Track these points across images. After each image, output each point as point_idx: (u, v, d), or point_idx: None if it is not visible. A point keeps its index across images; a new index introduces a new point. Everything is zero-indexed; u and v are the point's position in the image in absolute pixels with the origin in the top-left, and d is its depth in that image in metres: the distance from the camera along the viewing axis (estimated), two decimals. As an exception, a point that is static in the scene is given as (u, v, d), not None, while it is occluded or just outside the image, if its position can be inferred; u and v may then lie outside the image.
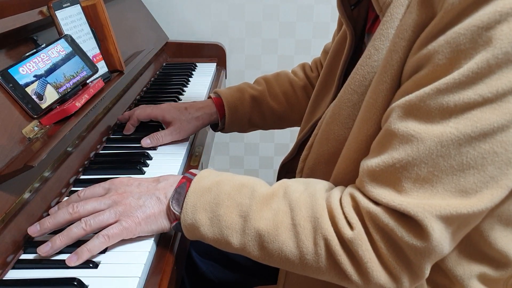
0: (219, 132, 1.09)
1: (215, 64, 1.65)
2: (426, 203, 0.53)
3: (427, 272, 0.56)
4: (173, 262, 0.67)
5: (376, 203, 0.56)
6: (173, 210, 0.64)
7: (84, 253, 0.62)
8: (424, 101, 0.53)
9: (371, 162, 0.57)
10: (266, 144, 1.97)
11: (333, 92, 0.82)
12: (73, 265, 0.62)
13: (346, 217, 0.57)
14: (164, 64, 1.60)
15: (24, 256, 0.65)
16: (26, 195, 0.70)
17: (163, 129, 1.00)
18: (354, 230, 0.56)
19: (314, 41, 1.81)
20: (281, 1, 1.74)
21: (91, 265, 0.62)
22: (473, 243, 0.63)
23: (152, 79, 1.41)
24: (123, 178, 0.70)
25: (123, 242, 0.67)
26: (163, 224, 0.66)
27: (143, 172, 0.86)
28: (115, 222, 0.64)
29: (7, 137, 0.70)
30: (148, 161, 0.90)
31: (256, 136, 1.95)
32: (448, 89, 0.51)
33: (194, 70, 1.56)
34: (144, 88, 1.32)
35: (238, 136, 1.94)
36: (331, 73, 0.86)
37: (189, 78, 1.47)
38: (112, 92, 1.04)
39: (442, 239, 0.53)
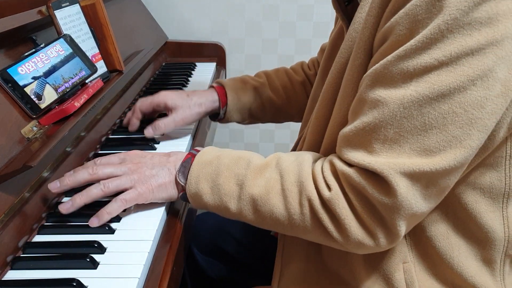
0: (217, 128, 1.09)
1: (215, 64, 1.65)
2: (392, 161, 0.57)
3: (401, 229, 0.60)
4: (172, 263, 0.67)
5: (350, 165, 0.61)
6: (180, 182, 0.71)
7: (104, 215, 0.69)
8: (387, 68, 0.57)
9: (345, 129, 0.63)
10: (266, 144, 1.97)
11: None
12: (95, 226, 0.69)
13: (325, 180, 0.63)
14: (163, 64, 1.59)
15: (23, 256, 0.65)
16: (25, 195, 0.70)
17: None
18: (331, 191, 0.62)
19: (314, 41, 1.80)
20: (281, 0, 1.74)
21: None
22: (459, 220, 0.67)
23: (151, 79, 1.41)
24: (137, 150, 0.77)
25: (122, 242, 0.67)
26: (172, 192, 0.73)
27: (142, 172, 0.86)
28: (130, 187, 0.71)
29: (6, 137, 0.70)
30: (147, 161, 0.90)
31: (256, 136, 1.95)
32: (407, 55, 0.56)
33: (194, 70, 1.56)
34: (144, 88, 1.31)
35: (238, 136, 1.94)
36: (328, 69, 0.87)
37: (189, 78, 1.46)
38: (111, 92, 1.04)
39: (409, 195, 0.57)
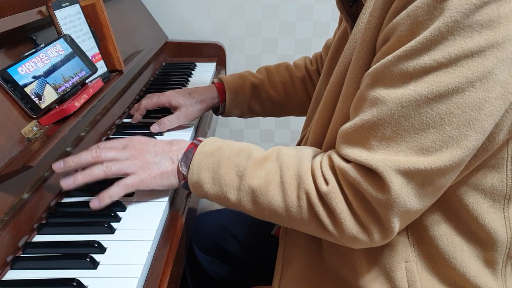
0: (217, 128, 1.14)
1: (215, 64, 1.65)
2: (389, 158, 0.58)
3: (395, 226, 0.61)
4: (172, 263, 0.67)
5: (348, 161, 0.62)
6: (182, 171, 0.73)
7: (105, 198, 0.71)
8: (387, 67, 0.58)
9: (345, 126, 0.63)
10: (266, 144, 1.97)
11: None
12: (95, 208, 0.71)
13: (323, 174, 0.64)
14: (163, 63, 1.59)
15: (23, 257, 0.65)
16: (25, 195, 0.70)
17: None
18: (329, 185, 0.63)
19: (314, 40, 1.80)
20: (281, 0, 1.74)
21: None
22: (461, 221, 0.67)
23: (151, 79, 1.41)
24: (140, 136, 0.79)
25: (122, 242, 0.67)
26: (173, 181, 0.75)
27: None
28: (132, 173, 0.73)
29: (6, 137, 0.70)
30: (147, 161, 0.90)
31: (256, 136, 1.95)
32: (407, 55, 0.56)
33: (194, 70, 1.56)
34: (144, 88, 1.31)
35: (238, 136, 1.94)
36: (332, 69, 0.87)
37: (189, 78, 1.46)
38: (111, 92, 1.04)
39: (403, 192, 0.58)
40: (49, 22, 0.90)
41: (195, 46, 1.71)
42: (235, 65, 1.83)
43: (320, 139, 0.74)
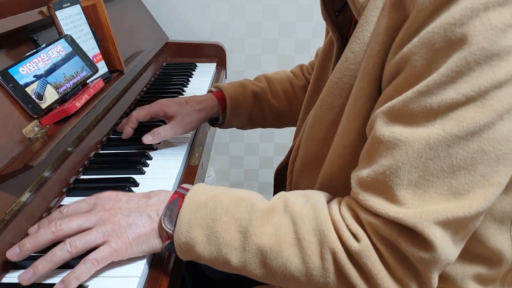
0: (217, 128, 1.08)
1: (215, 64, 1.65)
2: (422, 210, 0.51)
3: (434, 282, 0.55)
4: (172, 263, 0.67)
5: (375, 214, 0.54)
6: (166, 229, 0.60)
7: (71, 281, 0.57)
8: (407, 105, 0.52)
9: (361, 173, 0.56)
10: (266, 144, 1.97)
11: None
12: None
13: (349, 229, 0.56)
14: (164, 64, 1.60)
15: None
16: (26, 195, 0.70)
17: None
18: (361, 242, 0.54)
19: (314, 41, 1.81)
20: (281, 1, 1.74)
21: None
22: (465, 244, 0.61)
23: (152, 79, 1.41)
24: (110, 192, 0.65)
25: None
26: (155, 244, 0.62)
27: (143, 172, 0.86)
28: (103, 242, 0.60)
29: (7, 137, 0.70)
30: (148, 161, 0.90)
31: (256, 136, 1.95)
32: (429, 90, 0.50)
33: (194, 70, 1.56)
34: (144, 88, 1.31)
35: (238, 136, 1.94)
36: (321, 79, 0.85)
37: (189, 78, 1.47)
38: (112, 92, 1.04)
39: (446, 245, 0.52)
40: (50, 23, 0.90)
41: (195, 47, 1.71)
42: (235, 66, 1.83)
43: (310, 152, 0.72)
